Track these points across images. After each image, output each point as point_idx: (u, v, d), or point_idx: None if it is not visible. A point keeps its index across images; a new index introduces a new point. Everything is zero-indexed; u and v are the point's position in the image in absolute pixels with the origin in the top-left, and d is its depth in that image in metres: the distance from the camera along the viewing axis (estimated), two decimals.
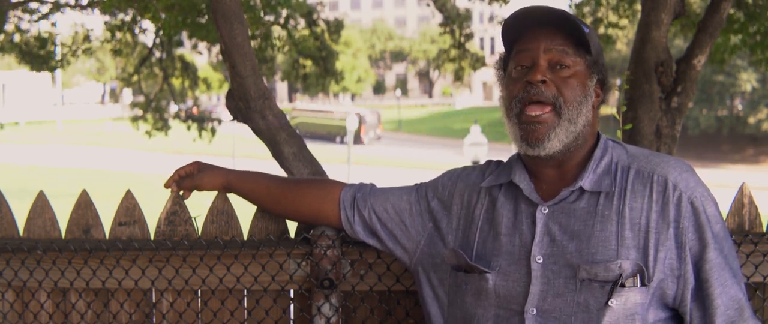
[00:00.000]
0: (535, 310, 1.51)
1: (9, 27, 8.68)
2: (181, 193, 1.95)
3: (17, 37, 9.05)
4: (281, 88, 68.45)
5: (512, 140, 1.59)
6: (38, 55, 9.31)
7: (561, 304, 1.49)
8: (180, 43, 11.90)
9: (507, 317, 1.54)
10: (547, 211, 1.55)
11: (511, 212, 1.60)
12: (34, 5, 8.52)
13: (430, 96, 70.40)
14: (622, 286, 1.46)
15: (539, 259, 1.52)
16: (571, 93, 1.53)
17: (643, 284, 1.46)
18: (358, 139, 38.34)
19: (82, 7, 8.54)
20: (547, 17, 1.55)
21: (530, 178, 1.61)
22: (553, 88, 1.53)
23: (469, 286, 1.60)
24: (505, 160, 1.73)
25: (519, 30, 1.60)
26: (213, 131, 14.14)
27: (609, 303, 1.46)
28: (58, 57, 10.36)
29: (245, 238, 1.99)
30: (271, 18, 9.29)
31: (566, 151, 1.56)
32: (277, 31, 9.94)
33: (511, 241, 1.57)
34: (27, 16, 8.81)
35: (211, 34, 7.97)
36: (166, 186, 1.94)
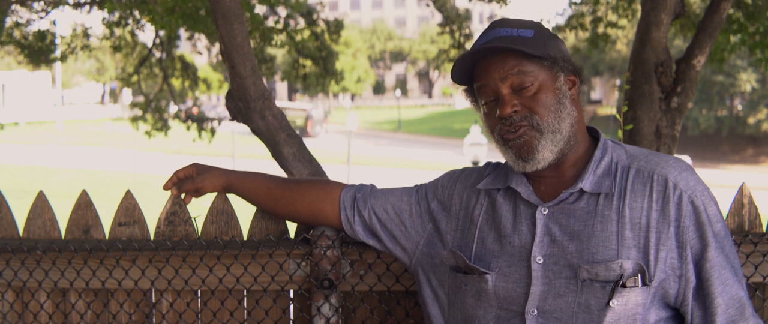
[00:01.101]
0: (535, 310, 1.51)
1: (8, 23, 8.67)
2: (182, 196, 1.95)
3: (16, 33, 9.04)
4: (281, 88, 68.45)
5: (511, 164, 1.60)
6: (37, 49, 9.29)
7: (562, 305, 1.49)
8: (178, 37, 11.88)
9: (508, 318, 1.54)
10: (546, 211, 1.55)
11: (510, 213, 1.60)
12: (33, 2, 8.52)
13: (430, 96, 70.41)
14: (623, 286, 1.46)
15: (539, 260, 1.52)
16: (542, 108, 1.54)
17: (644, 284, 1.46)
18: (304, 133, 41.41)
19: (81, 5, 8.53)
20: (488, 52, 1.56)
21: (528, 181, 1.61)
22: (525, 110, 1.54)
23: (468, 287, 1.60)
24: (503, 161, 1.73)
25: (470, 68, 1.61)
26: (212, 131, 14.13)
27: (610, 303, 1.45)
28: (58, 52, 10.35)
29: (245, 238, 1.99)
30: (270, 21, 9.29)
31: (561, 155, 1.57)
32: (276, 31, 9.94)
33: (511, 242, 1.57)
34: (26, 13, 8.80)
35: (209, 29, 7.97)
36: (166, 188, 1.94)
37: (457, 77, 1.64)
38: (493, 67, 1.56)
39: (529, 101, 1.54)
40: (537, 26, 1.59)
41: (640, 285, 1.46)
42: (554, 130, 1.54)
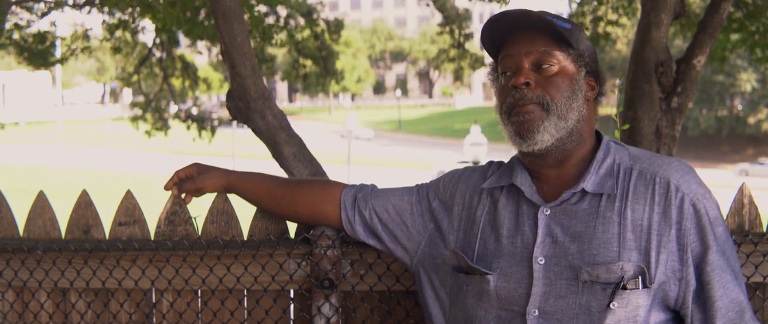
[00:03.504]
0: (536, 311, 1.50)
1: (8, 25, 8.67)
2: (182, 196, 1.95)
3: (16, 35, 9.03)
4: (281, 88, 68.49)
5: (509, 141, 1.60)
6: (37, 52, 9.29)
7: (563, 306, 1.49)
8: (177, 43, 11.91)
9: (509, 319, 1.54)
10: (548, 212, 1.54)
11: (512, 214, 1.59)
12: (34, 4, 8.51)
13: (430, 96, 70.44)
14: (624, 288, 1.45)
15: (541, 261, 1.52)
16: (556, 90, 1.54)
17: (644, 286, 1.46)
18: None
19: (81, 6, 8.52)
20: (524, 21, 1.56)
21: (532, 180, 1.60)
22: (538, 89, 1.54)
23: (470, 287, 1.59)
24: (506, 160, 1.73)
25: (501, 35, 1.61)
26: (213, 131, 14.14)
27: (610, 305, 1.45)
28: (58, 54, 10.37)
29: (245, 238, 1.99)
30: (271, 20, 9.29)
31: (561, 147, 1.55)
32: (276, 30, 9.95)
33: (513, 243, 1.56)
34: (26, 15, 8.80)
35: (210, 32, 7.97)
36: (167, 188, 1.94)
37: (487, 41, 1.63)
38: (522, 41, 1.57)
39: (545, 81, 1.54)
40: (575, 24, 1.60)
41: (640, 287, 1.46)
42: (560, 116, 1.53)
